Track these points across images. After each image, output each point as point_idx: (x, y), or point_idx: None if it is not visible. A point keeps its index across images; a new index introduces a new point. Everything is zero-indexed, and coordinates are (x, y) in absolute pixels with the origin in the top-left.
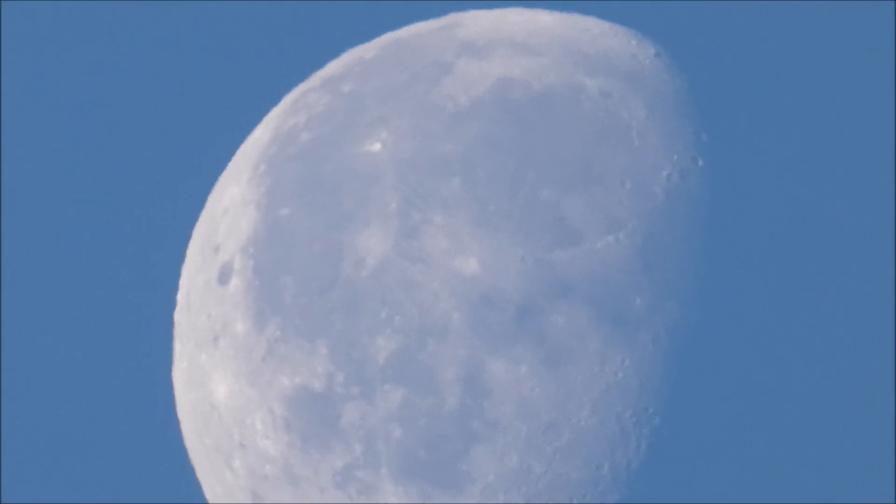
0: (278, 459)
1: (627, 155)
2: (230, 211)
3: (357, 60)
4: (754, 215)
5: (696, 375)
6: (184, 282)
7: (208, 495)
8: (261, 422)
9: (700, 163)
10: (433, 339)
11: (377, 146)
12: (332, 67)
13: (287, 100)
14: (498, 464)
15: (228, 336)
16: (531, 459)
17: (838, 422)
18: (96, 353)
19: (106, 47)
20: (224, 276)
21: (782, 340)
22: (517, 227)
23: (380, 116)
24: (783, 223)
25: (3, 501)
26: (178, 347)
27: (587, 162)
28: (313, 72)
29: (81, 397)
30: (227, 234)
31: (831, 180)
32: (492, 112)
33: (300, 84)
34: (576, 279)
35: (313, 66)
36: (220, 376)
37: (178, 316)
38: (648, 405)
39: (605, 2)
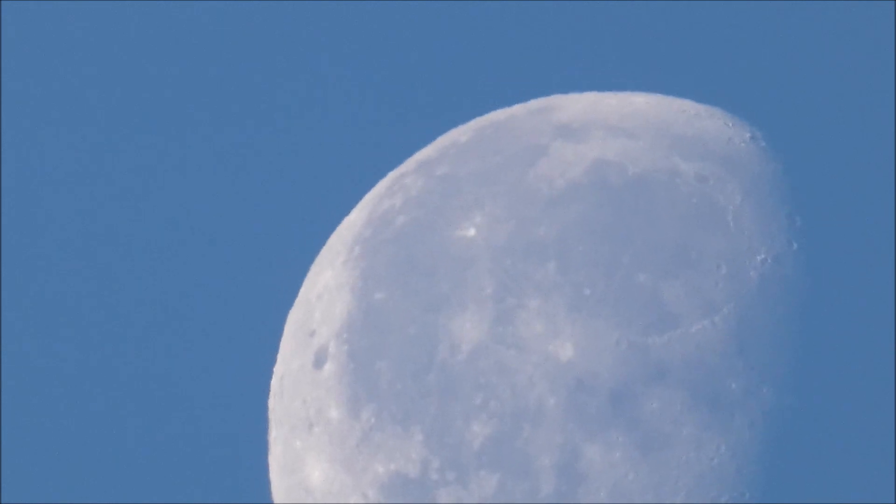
0: None
1: (723, 239)
2: (325, 295)
3: (452, 144)
4: (849, 298)
5: (794, 461)
6: (278, 367)
7: None
8: None
9: (795, 246)
10: (528, 425)
11: (472, 230)
12: (428, 151)
13: (383, 183)
14: None
15: (323, 422)
16: None
17: None
18: (194, 439)
19: (204, 134)
20: (319, 361)
21: (880, 425)
22: (612, 311)
23: (475, 200)
24: (879, 307)
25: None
26: (274, 433)
27: (683, 246)
28: (409, 155)
29: (182, 483)
30: (321, 319)
31: None
32: (587, 195)
33: (396, 167)
34: (671, 363)
35: (409, 150)
36: (314, 462)
37: (273, 401)
38: (745, 491)
39: (699, 84)
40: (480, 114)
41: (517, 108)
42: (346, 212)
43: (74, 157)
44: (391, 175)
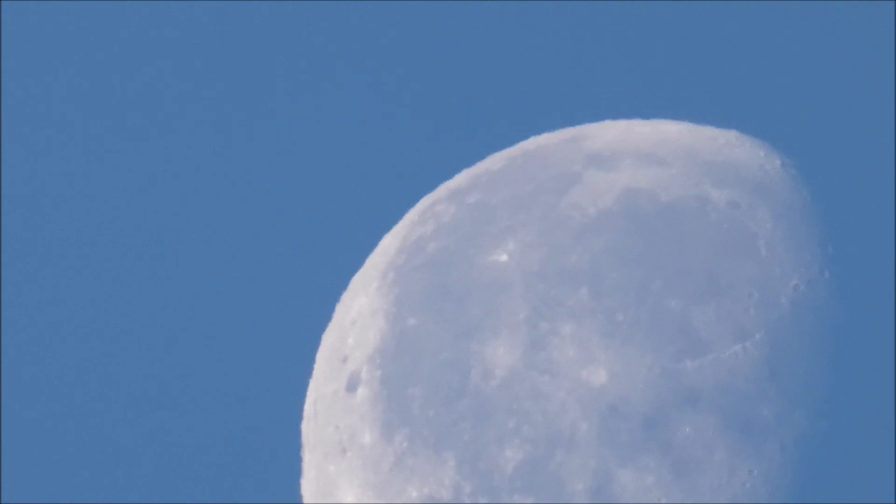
0: None
1: (754, 265)
2: (358, 321)
3: (484, 171)
4: (880, 325)
5: (825, 486)
6: (311, 392)
7: None
8: None
9: (826, 273)
10: (561, 450)
11: (504, 256)
12: (460, 179)
13: (415, 210)
14: None
15: (356, 447)
16: None
17: None
18: (228, 463)
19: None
20: (352, 386)
21: None
22: (645, 337)
23: (507, 227)
24: None
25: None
26: (307, 457)
27: (714, 272)
28: (441, 183)
29: None
30: (355, 344)
31: None
32: (619, 223)
33: (428, 194)
34: (703, 389)
35: (441, 178)
36: (347, 487)
37: (306, 426)
38: None
39: (730, 111)
40: (512, 142)
41: (549, 137)
42: (380, 238)
43: (122, 187)
44: (424, 202)
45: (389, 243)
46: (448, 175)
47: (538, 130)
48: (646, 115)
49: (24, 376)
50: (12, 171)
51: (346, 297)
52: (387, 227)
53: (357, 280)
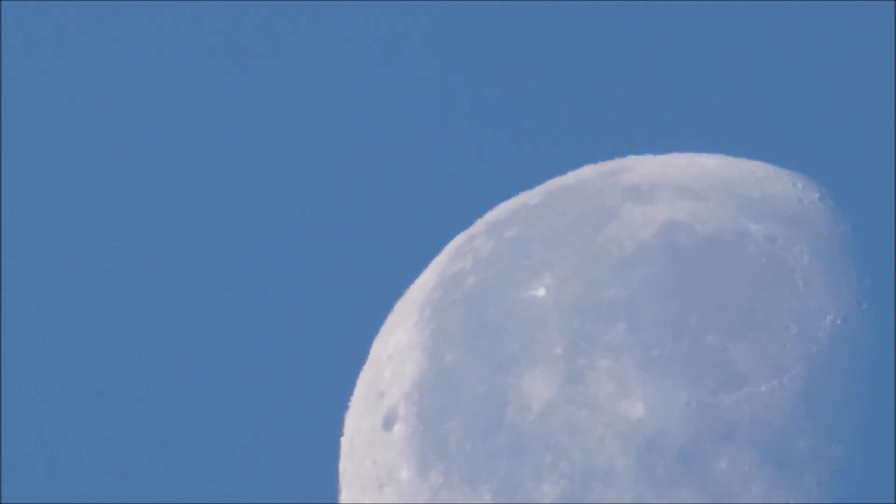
0: None
1: (792, 299)
2: (395, 356)
3: (522, 206)
4: None
5: None
6: (349, 427)
7: None
8: None
9: (864, 307)
10: (598, 484)
11: (542, 291)
12: (498, 212)
13: (452, 245)
14: None
15: (393, 482)
16: None
17: None
18: (264, 498)
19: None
20: (389, 422)
21: None
22: (682, 371)
23: (545, 261)
24: None
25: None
26: (344, 492)
27: (751, 306)
28: (478, 217)
29: None
30: (392, 379)
31: None
32: (656, 257)
33: (466, 229)
34: (740, 423)
35: (479, 212)
36: None
37: (344, 461)
38: None
39: (767, 145)
40: (550, 176)
41: (586, 170)
42: (417, 273)
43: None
44: (461, 237)
45: (427, 278)
46: (485, 209)
47: (576, 164)
48: (683, 148)
49: (24, 376)
50: (12, 171)
51: (383, 331)
52: (424, 262)
53: (394, 315)
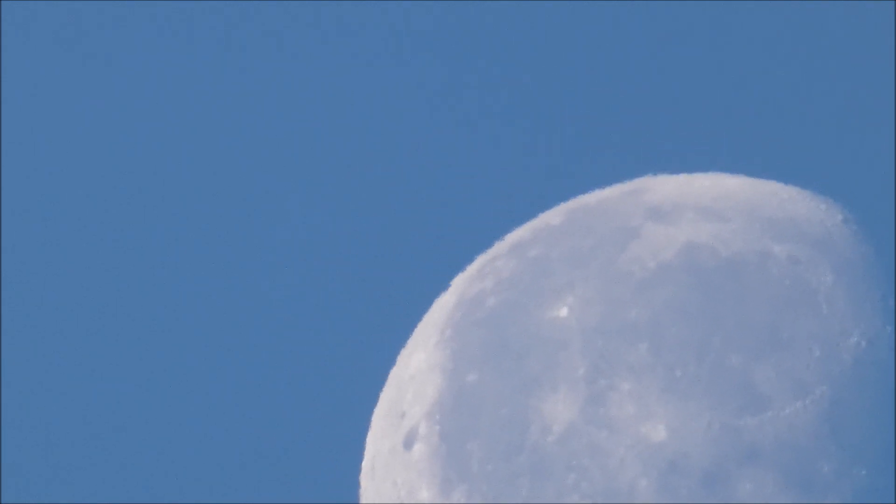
0: None
1: (815, 321)
2: (417, 376)
3: (544, 226)
4: None
5: None
6: (370, 447)
7: None
8: None
9: (889, 329)
10: None
11: (564, 311)
12: (520, 233)
13: (474, 265)
14: None
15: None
16: None
17: None
18: None
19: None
20: (409, 443)
21: None
22: (704, 392)
23: (567, 282)
24: None
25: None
26: None
27: (775, 328)
28: (500, 238)
29: None
30: (413, 400)
31: None
32: (679, 277)
33: (487, 250)
34: (763, 445)
35: (500, 232)
36: None
37: (365, 482)
38: None
39: (790, 166)
40: (572, 196)
41: (609, 191)
42: (438, 294)
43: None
44: (483, 257)
45: (448, 299)
46: (506, 231)
47: (597, 184)
48: (705, 168)
49: (25, 376)
50: (12, 171)
51: (404, 352)
52: (445, 283)
53: (416, 336)
